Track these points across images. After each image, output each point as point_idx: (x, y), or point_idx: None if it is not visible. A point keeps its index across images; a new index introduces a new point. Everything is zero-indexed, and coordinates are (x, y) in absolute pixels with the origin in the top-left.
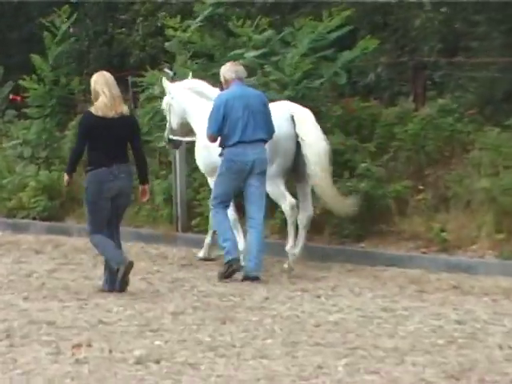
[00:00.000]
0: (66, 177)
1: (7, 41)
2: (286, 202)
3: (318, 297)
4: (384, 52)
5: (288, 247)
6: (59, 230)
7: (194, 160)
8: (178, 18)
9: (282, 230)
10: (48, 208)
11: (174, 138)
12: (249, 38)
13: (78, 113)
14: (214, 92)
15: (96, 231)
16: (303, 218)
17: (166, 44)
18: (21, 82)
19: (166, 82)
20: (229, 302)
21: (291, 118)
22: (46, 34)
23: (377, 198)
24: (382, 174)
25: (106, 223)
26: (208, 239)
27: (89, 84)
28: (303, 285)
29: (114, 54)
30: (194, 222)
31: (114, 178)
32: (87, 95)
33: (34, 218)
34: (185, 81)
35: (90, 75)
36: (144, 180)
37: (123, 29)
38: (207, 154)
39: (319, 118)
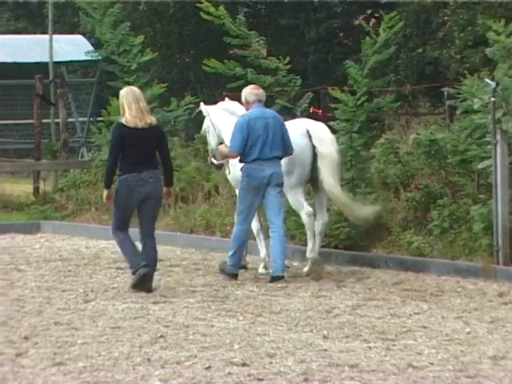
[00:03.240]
0: (105, 192)
1: (304, 39)
2: (304, 211)
3: None
4: None
5: (307, 252)
6: (364, 261)
7: None
8: (502, 21)
9: None
10: (352, 236)
11: (214, 161)
12: None
13: (386, 129)
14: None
15: (119, 228)
16: (319, 225)
17: (487, 50)
18: (331, 91)
19: (202, 106)
20: None
21: (307, 132)
22: (366, 39)
23: None
24: None
25: (139, 227)
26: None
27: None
28: None
29: (427, 61)
30: None
31: (143, 183)
32: (399, 110)
33: (336, 247)
34: (219, 103)
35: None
36: (168, 183)
37: (439, 33)
38: (234, 168)
39: None
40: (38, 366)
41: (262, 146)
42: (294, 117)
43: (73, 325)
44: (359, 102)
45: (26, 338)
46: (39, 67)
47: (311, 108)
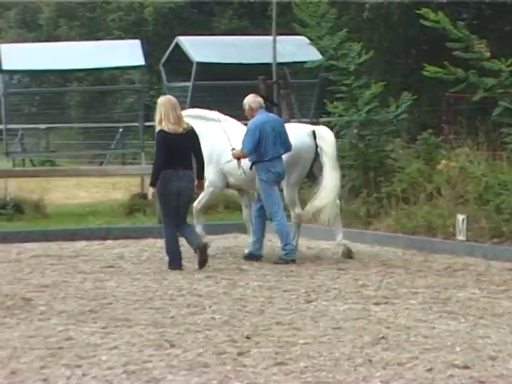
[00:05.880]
0: (150, 190)
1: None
2: (294, 211)
3: None
4: None
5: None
6: None
7: None
8: None
9: None
10: None
11: None
12: None
13: None
14: (212, 113)
15: (168, 222)
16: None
17: None
18: None
19: None
20: None
21: (312, 134)
22: None
23: None
24: None
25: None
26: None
27: None
28: None
29: None
30: None
31: (179, 180)
32: None
33: None
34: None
35: None
36: (200, 176)
37: None
38: (217, 162)
39: None
40: (260, 365)
41: (273, 145)
42: None
43: (294, 325)
44: None
45: (247, 337)
46: (262, 68)
47: None
